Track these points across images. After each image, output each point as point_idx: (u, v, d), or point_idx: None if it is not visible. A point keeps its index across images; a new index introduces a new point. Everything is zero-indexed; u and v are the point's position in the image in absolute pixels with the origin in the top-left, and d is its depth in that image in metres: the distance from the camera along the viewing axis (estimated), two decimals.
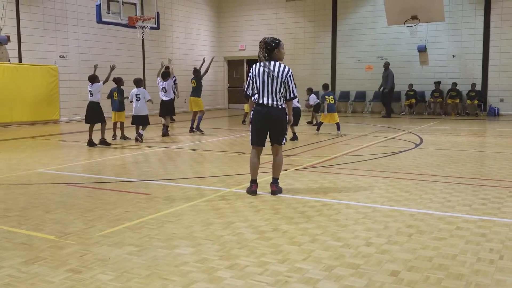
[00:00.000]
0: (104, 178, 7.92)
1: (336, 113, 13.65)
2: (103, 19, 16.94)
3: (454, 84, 21.82)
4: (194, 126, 14.61)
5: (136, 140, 12.56)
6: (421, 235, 4.82)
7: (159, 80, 14.34)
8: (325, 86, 14.20)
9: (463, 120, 19.77)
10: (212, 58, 16.36)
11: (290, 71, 6.49)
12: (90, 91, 11.99)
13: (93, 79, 12.04)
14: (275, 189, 6.62)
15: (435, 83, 22.26)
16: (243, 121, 17.75)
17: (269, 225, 5.16)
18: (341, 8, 24.39)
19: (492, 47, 21.65)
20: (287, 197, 6.45)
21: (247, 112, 17.45)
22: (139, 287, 3.62)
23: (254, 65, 6.59)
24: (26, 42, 17.78)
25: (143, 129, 12.79)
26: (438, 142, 12.40)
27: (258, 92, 6.49)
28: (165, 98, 14.01)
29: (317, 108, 16.05)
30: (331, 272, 3.88)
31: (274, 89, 6.41)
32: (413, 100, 22.42)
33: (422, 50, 22.70)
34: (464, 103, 22.02)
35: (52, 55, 18.64)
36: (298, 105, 12.82)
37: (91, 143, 11.76)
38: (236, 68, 27.71)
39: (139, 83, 12.85)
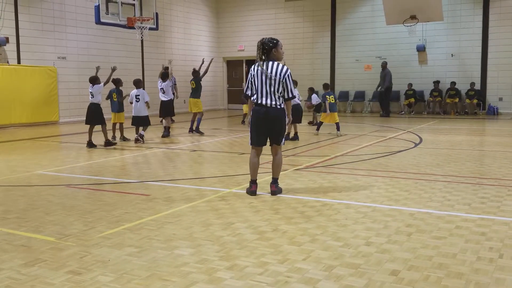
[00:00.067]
0: (103, 180, 7.92)
1: (336, 113, 13.65)
2: (102, 20, 16.93)
3: (453, 83, 21.84)
4: (194, 128, 14.60)
5: (136, 141, 12.56)
6: (420, 234, 4.82)
7: (159, 81, 14.33)
8: (325, 86, 14.20)
9: (462, 119, 19.78)
10: (211, 59, 16.35)
11: (288, 71, 6.49)
12: (91, 92, 11.99)
13: (94, 80, 12.04)
14: (275, 189, 6.62)
15: (434, 82, 22.27)
16: (243, 122, 17.75)
17: (269, 226, 5.16)
18: (340, 8, 24.39)
19: (491, 46, 21.66)
20: (286, 197, 6.45)
21: (246, 113, 17.46)
22: None
23: (253, 66, 6.59)
24: (24, 44, 17.78)
25: (143, 130, 12.79)
26: (437, 141, 12.40)
27: (256, 92, 6.49)
28: (163, 99, 14.00)
29: (318, 108, 16.05)
30: (331, 272, 3.88)
31: (272, 89, 6.41)
32: (412, 100, 22.42)
33: (421, 49, 22.72)
34: (463, 102, 22.03)
35: (51, 56, 18.63)
36: (299, 101, 12.85)
37: (90, 145, 11.76)
38: (235, 68, 27.71)
39: (138, 84, 12.85)
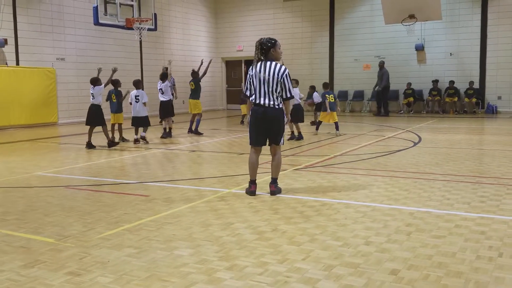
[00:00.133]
0: (102, 180, 7.92)
1: (335, 112, 13.65)
2: (100, 21, 16.94)
3: (452, 82, 21.86)
4: (193, 129, 14.59)
5: (135, 141, 12.56)
6: (420, 233, 4.82)
7: (159, 82, 14.29)
8: (325, 85, 14.19)
9: (461, 118, 19.79)
10: (210, 60, 16.34)
11: (287, 71, 6.48)
12: (92, 93, 11.99)
13: (95, 81, 12.05)
14: (274, 189, 6.62)
15: (433, 81, 22.29)
16: (242, 122, 17.75)
17: (268, 226, 5.16)
18: (338, 7, 24.41)
19: (490, 45, 21.68)
20: (286, 197, 6.45)
21: (245, 114, 17.44)
22: None
23: (251, 66, 6.60)
24: (23, 45, 17.78)
25: (144, 131, 12.78)
26: (436, 140, 12.41)
27: (255, 92, 6.50)
28: (162, 99, 13.99)
29: (319, 107, 16.05)
30: (331, 272, 3.88)
31: (270, 89, 6.41)
32: (411, 99, 22.43)
33: (420, 48, 22.73)
34: (462, 101, 22.04)
35: (49, 57, 18.63)
36: (299, 101, 12.86)
37: (89, 145, 11.76)
38: (234, 68, 27.72)
39: (138, 84, 12.85)
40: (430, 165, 8.75)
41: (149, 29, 18.40)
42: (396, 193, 6.58)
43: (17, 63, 17.62)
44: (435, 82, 22.23)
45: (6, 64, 17.25)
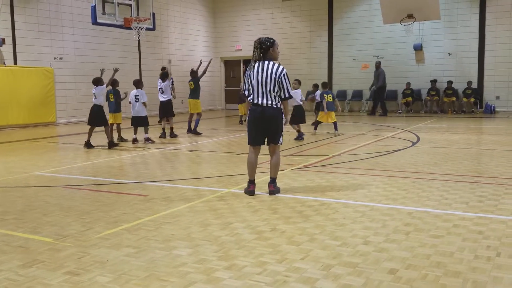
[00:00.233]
0: (101, 180, 7.91)
1: (333, 112, 13.65)
2: (98, 21, 16.92)
3: (450, 82, 21.87)
4: (192, 128, 14.58)
5: (134, 141, 12.56)
6: (418, 233, 4.83)
7: (159, 81, 14.26)
8: (324, 85, 14.20)
9: (459, 118, 19.81)
10: (210, 60, 16.34)
11: (284, 71, 6.49)
12: (94, 93, 11.98)
13: (97, 82, 12.04)
14: (273, 189, 6.62)
15: (431, 81, 22.32)
16: (240, 121, 17.75)
17: (267, 225, 5.16)
18: (337, 7, 24.41)
19: (488, 45, 21.70)
20: (285, 197, 6.46)
21: (242, 114, 17.44)
22: None
23: (249, 65, 6.60)
24: (21, 44, 17.76)
25: (146, 132, 12.77)
26: (435, 140, 12.42)
27: (253, 92, 6.50)
28: (162, 99, 13.97)
29: (319, 107, 16.07)
30: (329, 271, 3.88)
31: (268, 89, 6.42)
32: (410, 99, 22.45)
33: (418, 48, 22.75)
34: (461, 101, 22.05)
35: (47, 57, 18.62)
36: (301, 102, 12.86)
37: (88, 145, 11.76)
38: (233, 68, 27.71)
39: (138, 84, 12.85)
40: (428, 165, 8.76)
41: (147, 29, 18.38)
42: (395, 193, 6.58)
43: (15, 63, 17.60)
44: (434, 82, 22.25)
45: (4, 63, 17.23)
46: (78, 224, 5.33)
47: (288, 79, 6.51)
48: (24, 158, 10.33)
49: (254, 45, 6.49)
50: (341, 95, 24.34)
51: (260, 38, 6.52)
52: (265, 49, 6.45)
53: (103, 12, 17.07)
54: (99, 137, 12.22)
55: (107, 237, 4.83)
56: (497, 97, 21.81)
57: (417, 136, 13.10)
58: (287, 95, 6.50)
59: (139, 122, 12.70)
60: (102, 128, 12.03)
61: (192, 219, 5.46)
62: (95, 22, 16.88)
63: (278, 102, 6.52)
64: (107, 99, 12.82)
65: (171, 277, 3.81)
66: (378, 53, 23.44)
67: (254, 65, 6.48)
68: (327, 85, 14.27)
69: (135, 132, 12.74)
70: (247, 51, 25.86)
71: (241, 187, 7.00)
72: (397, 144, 11.73)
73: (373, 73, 21.95)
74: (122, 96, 13.12)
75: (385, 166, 8.66)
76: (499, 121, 18.12)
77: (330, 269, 3.93)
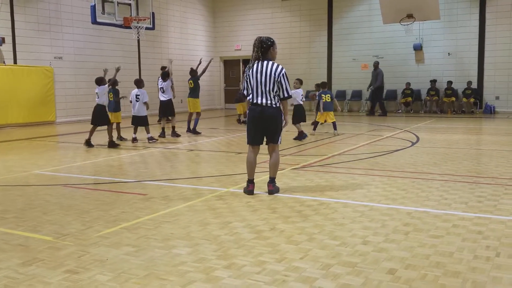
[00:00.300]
0: (101, 179, 7.92)
1: (332, 112, 13.65)
2: (98, 20, 16.93)
3: (450, 82, 21.87)
4: (191, 128, 14.58)
5: (133, 140, 12.57)
6: (418, 233, 4.83)
7: (159, 81, 14.23)
8: (322, 85, 14.21)
9: (459, 118, 19.81)
10: (211, 60, 16.33)
11: (283, 70, 6.49)
12: (96, 93, 11.99)
13: (99, 81, 12.05)
14: (272, 189, 6.62)
15: (431, 81, 22.32)
16: (238, 120, 17.74)
17: (266, 225, 5.16)
18: (336, 7, 24.41)
19: (488, 45, 21.70)
20: (284, 197, 6.46)
21: (240, 113, 17.43)
22: (137, 287, 3.62)
23: (248, 65, 6.61)
24: (21, 44, 17.76)
25: (148, 132, 12.76)
26: (434, 140, 12.42)
27: (252, 91, 6.50)
28: (162, 99, 13.96)
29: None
30: (328, 271, 3.88)
31: (267, 89, 6.42)
32: (410, 99, 22.46)
33: (418, 48, 22.74)
34: (460, 101, 22.06)
35: (47, 56, 18.61)
36: (301, 102, 12.86)
37: (88, 143, 11.77)
38: (232, 68, 27.71)
39: (139, 83, 12.85)
40: (428, 165, 8.76)
41: (147, 28, 18.39)
42: (394, 193, 6.59)
43: (15, 62, 17.60)
44: (433, 82, 22.26)
45: (4, 62, 17.23)
46: (78, 222, 5.33)
47: (288, 79, 6.51)
48: (24, 157, 10.33)
49: (254, 44, 6.48)
50: (341, 95, 24.34)
51: (260, 37, 6.52)
52: (266, 48, 6.46)
53: (103, 12, 17.08)
54: (99, 136, 12.22)
55: (107, 236, 4.83)
56: (497, 97, 21.81)
57: (417, 136, 13.10)
58: (286, 95, 6.50)
59: (139, 121, 12.71)
60: (105, 127, 12.03)
61: (191, 218, 5.46)
62: (94, 21, 16.88)
63: (278, 101, 6.52)
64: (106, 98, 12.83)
65: (170, 276, 3.81)
66: (378, 53, 23.45)
67: (253, 65, 6.48)
68: (326, 85, 14.27)
69: (135, 132, 12.75)
70: (247, 50, 25.86)
71: (240, 187, 7.00)
72: (396, 144, 11.74)
73: (371, 73, 21.97)
74: (120, 96, 13.11)
75: (384, 166, 8.66)
76: (499, 121, 18.13)
77: (329, 268, 3.94)
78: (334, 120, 13.73)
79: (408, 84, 22.51)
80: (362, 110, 24.03)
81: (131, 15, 17.93)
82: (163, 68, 17.27)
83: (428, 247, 4.41)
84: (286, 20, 25.65)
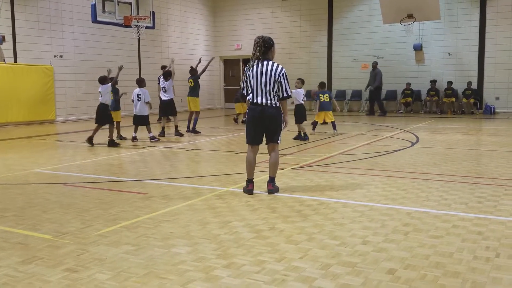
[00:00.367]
0: (100, 178, 7.91)
1: (330, 112, 13.65)
2: (98, 19, 16.92)
3: (450, 82, 21.87)
4: (190, 128, 14.57)
5: (133, 139, 12.57)
6: (417, 233, 4.83)
7: (161, 80, 14.22)
8: (321, 85, 14.21)
9: (459, 118, 19.81)
10: (212, 59, 16.32)
11: (284, 70, 6.49)
12: (100, 92, 12.00)
13: (102, 80, 12.06)
14: (272, 188, 6.62)
15: (431, 81, 22.32)
16: (236, 120, 17.70)
17: (265, 224, 5.16)
18: (336, 7, 24.41)
19: (488, 46, 21.70)
20: (283, 196, 6.46)
21: (239, 112, 17.41)
22: (137, 286, 3.62)
23: (247, 64, 6.60)
24: (21, 42, 17.76)
25: (149, 131, 12.74)
26: (434, 140, 12.42)
27: (252, 91, 6.50)
28: (164, 98, 13.95)
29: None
30: (328, 271, 3.88)
31: (268, 88, 6.42)
32: (410, 99, 22.46)
33: (418, 48, 22.74)
34: (460, 102, 22.05)
35: (47, 55, 18.61)
36: (302, 102, 12.85)
37: (90, 141, 11.78)
38: (232, 67, 27.71)
39: (141, 83, 12.85)
40: (427, 165, 8.76)
41: (147, 27, 18.39)
42: (394, 193, 6.59)
43: (15, 60, 17.59)
44: (433, 82, 22.26)
45: (4, 61, 17.22)
46: (78, 221, 5.33)
47: (287, 79, 6.51)
48: (23, 156, 10.33)
49: (256, 42, 6.46)
50: (340, 95, 24.34)
51: (262, 36, 6.51)
52: (267, 47, 6.46)
53: (103, 10, 17.07)
54: (100, 135, 12.21)
55: (106, 235, 4.83)
56: (497, 98, 21.81)
57: (417, 137, 13.10)
58: (285, 94, 6.50)
59: (141, 121, 12.72)
60: (106, 125, 12.04)
61: (191, 217, 5.46)
62: (95, 20, 16.88)
63: (278, 101, 6.52)
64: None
65: (170, 275, 3.81)
66: (378, 53, 23.45)
67: (253, 65, 6.47)
68: (325, 85, 14.27)
69: (135, 131, 12.75)
70: (247, 50, 25.87)
71: (240, 186, 7.00)
72: (396, 144, 11.74)
73: (369, 73, 21.99)
74: (120, 94, 13.12)
75: (384, 166, 8.66)
76: (499, 122, 18.13)
77: (329, 268, 3.94)
78: (333, 119, 13.73)
79: (408, 84, 22.52)
80: (362, 110, 24.03)
81: (131, 14, 17.93)
82: (163, 67, 17.27)
83: (428, 247, 4.41)
84: (286, 20, 25.64)
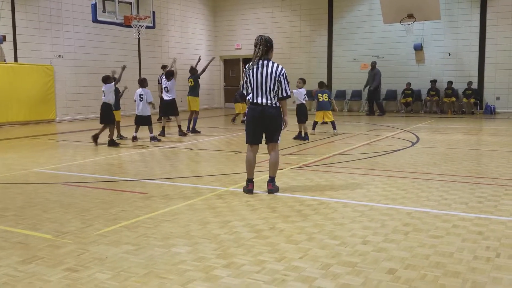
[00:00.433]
0: (100, 178, 7.91)
1: (329, 111, 13.65)
2: (99, 19, 16.91)
3: (450, 82, 21.87)
4: (190, 127, 14.56)
5: (133, 139, 12.58)
6: (417, 233, 4.83)
7: (164, 80, 14.20)
8: (320, 84, 14.21)
9: (459, 118, 19.80)
10: (213, 58, 16.30)
11: (284, 70, 6.50)
12: (103, 91, 12.01)
13: (106, 79, 12.08)
14: (272, 188, 6.62)
15: (431, 81, 22.31)
16: (233, 120, 17.68)
17: (265, 224, 5.16)
18: (337, 6, 24.40)
19: (488, 46, 21.69)
20: (283, 196, 6.46)
21: (238, 113, 17.39)
22: (137, 286, 3.62)
23: (247, 64, 6.60)
24: (21, 42, 17.76)
25: (150, 131, 12.74)
26: (434, 140, 12.42)
27: (252, 91, 6.50)
28: (166, 98, 13.95)
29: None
30: (328, 271, 3.88)
31: (268, 88, 6.42)
32: (410, 99, 22.45)
33: (418, 48, 22.73)
34: (461, 102, 22.04)
35: (48, 54, 18.61)
36: (304, 101, 12.85)
37: (95, 138, 11.82)
38: (232, 67, 27.70)
39: (143, 83, 12.84)
40: (428, 165, 8.76)
41: (147, 27, 18.38)
42: (394, 193, 6.58)
43: (16, 60, 17.59)
44: (434, 82, 22.25)
45: (5, 61, 17.22)
46: (78, 221, 5.33)
47: (287, 79, 6.52)
48: (24, 155, 10.33)
49: (258, 42, 6.44)
50: (340, 94, 24.35)
51: (264, 36, 6.51)
52: (269, 47, 6.48)
53: (104, 10, 17.06)
54: (100, 134, 12.21)
55: (106, 234, 4.83)
56: (497, 98, 21.80)
57: (417, 136, 13.10)
58: (285, 94, 6.50)
59: (142, 121, 12.72)
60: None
61: (191, 217, 5.46)
62: (95, 20, 16.87)
63: (278, 101, 6.53)
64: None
65: (170, 275, 3.81)
66: (378, 53, 23.45)
67: (254, 65, 6.47)
68: (324, 85, 14.27)
69: (136, 130, 12.75)
70: (247, 50, 25.89)
71: (240, 186, 7.00)
72: (396, 144, 11.74)
73: (368, 73, 21.99)
74: (121, 90, 13.13)
75: (384, 166, 8.66)
76: (499, 122, 18.12)
77: (329, 268, 3.94)
78: (333, 119, 13.72)
79: (409, 84, 22.51)
80: (362, 110, 24.02)
81: (131, 14, 17.92)
82: (163, 66, 17.27)
83: (428, 247, 4.41)
84: (286, 20, 25.64)
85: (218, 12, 27.41)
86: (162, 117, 14.39)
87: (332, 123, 13.73)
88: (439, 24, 21.99)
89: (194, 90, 14.50)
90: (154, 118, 15.92)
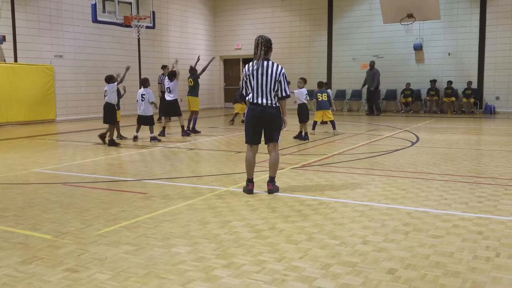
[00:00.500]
0: (100, 178, 7.91)
1: (329, 111, 13.65)
2: (99, 19, 16.92)
3: (450, 82, 21.87)
4: (190, 127, 14.56)
5: (134, 139, 12.58)
6: (417, 233, 4.83)
7: (166, 80, 14.20)
8: (319, 84, 14.22)
9: (459, 118, 19.80)
10: (213, 58, 16.29)
11: (283, 70, 6.50)
12: (105, 90, 12.03)
13: (108, 79, 12.11)
14: (272, 188, 6.62)
15: (431, 81, 22.32)
16: (234, 121, 17.63)
17: (265, 224, 5.16)
18: (337, 6, 24.41)
19: (488, 45, 21.69)
20: (283, 196, 6.46)
21: (237, 113, 17.36)
22: (137, 286, 3.62)
23: (247, 65, 6.60)
24: (21, 42, 17.76)
25: (151, 131, 12.74)
26: (434, 140, 12.42)
27: (252, 91, 6.50)
28: (168, 98, 13.94)
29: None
30: (328, 271, 3.88)
31: (268, 88, 6.42)
32: (410, 99, 22.45)
33: (418, 48, 22.74)
34: (460, 101, 22.05)
35: (47, 54, 18.61)
36: (305, 101, 12.85)
37: (102, 137, 11.96)
38: (232, 67, 27.71)
39: (145, 83, 12.85)
40: (427, 165, 8.76)
41: (147, 27, 18.39)
42: (394, 193, 6.58)
43: (15, 60, 17.60)
44: (433, 82, 22.25)
45: (4, 61, 17.22)
46: (78, 221, 5.33)
47: (287, 79, 6.52)
48: (24, 155, 10.33)
49: (258, 42, 6.43)
50: (340, 94, 24.35)
51: (264, 36, 6.51)
52: (269, 47, 6.49)
53: (103, 10, 17.07)
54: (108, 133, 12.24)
55: (106, 235, 4.83)
56: (497, 98, 21.81)
57: (417, 136, 13.10)
58: (284, 94, 6.51)
59: (144, 121, 12.73)
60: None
61: (191, 217, 5.46)
62: (95, 20, 16.87)
63: (277, 101, 6.53)
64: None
65: (170, 275, 3.81)
66: (378, 52, 23.45)
67: (253, 65, 6.47)
68: (323, 85, 14.28)
69: (137, 130, 12.76)
70: (247, 50, 25.89)
71: (239, 186, 7.00)
72: (396, 144, 11.73)
73: (366, 72, 21.99)
74: (121, 92, 13.14)
75: (384, 166, 8.66)
76: (499, 121, 18.12)
77: (329, 268, 3.94)
78: (332, 118, 13.72)
79: (408, 84, 22.51)
80: (361, 110, 24.02)
81: (131, 14, 17.93)
82: (164, 66, 17.28)
83: (428, 247, 4.41)
84: (286, 20, 25.64)
85: (218, 12, 27.41)
86: (163, 117, 14.38)
87: (332, 122, 13.73)
88: (439, 24, 22.00)
89: (193, 90, 14.50)
90: (154, 118, 15.93)
